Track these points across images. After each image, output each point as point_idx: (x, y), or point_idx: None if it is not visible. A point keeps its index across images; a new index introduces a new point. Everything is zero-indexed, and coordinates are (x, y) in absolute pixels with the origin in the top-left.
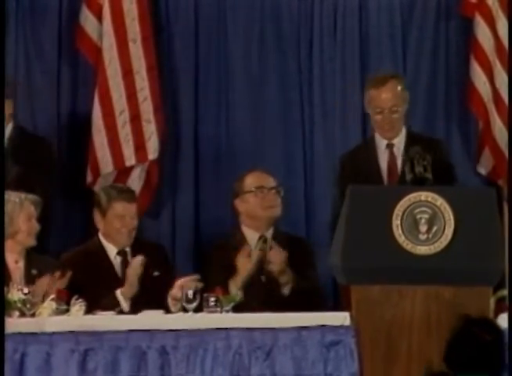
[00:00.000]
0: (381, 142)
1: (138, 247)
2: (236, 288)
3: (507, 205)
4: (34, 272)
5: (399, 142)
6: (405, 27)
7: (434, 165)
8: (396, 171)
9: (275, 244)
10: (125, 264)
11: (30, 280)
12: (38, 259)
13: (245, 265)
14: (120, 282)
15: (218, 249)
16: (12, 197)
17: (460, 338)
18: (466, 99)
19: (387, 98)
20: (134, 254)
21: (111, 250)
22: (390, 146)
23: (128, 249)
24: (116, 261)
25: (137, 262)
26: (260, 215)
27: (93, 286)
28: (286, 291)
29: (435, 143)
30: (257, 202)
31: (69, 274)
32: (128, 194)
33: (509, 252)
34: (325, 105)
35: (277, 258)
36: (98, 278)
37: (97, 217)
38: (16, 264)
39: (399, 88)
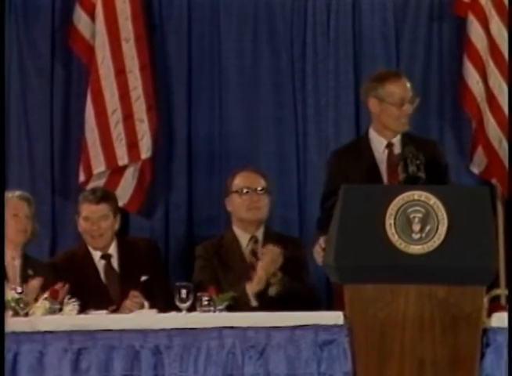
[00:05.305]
0: (379, 142)
1: (124, 247)
2: (251, 293)
3: (502, 205)
4: (31, 272)
5: (397, 141)
6: (398, 27)
7: (430, 167)
8: (397, 171)
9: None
10: (109, 267)
11: (25, 279)
12: (34, 261)
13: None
14: (103, 287)
15: (209, 248)
16: None
17: None
18: (459, 98)
19: (406, 90)
20: (121, 257)
21: (95, 253)
22: (390, 146)
23: (111, 252)
24: (100, 263)
25: (133, 305)
26: (243, 216)
27: (80, 290)
28: (272, 292)
29: (431, 144)
30: (241, 203)
31: (66, 287)
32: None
33: (505, 251)
34: (318, 104)
35: (272, 257)
36: (84, 282)
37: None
38: (12, 260)
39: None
